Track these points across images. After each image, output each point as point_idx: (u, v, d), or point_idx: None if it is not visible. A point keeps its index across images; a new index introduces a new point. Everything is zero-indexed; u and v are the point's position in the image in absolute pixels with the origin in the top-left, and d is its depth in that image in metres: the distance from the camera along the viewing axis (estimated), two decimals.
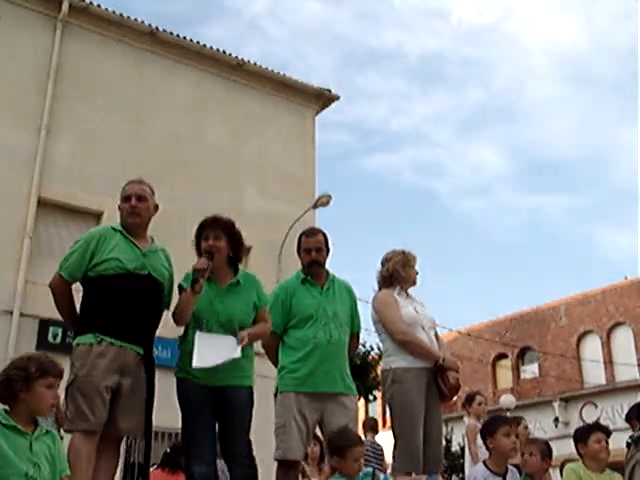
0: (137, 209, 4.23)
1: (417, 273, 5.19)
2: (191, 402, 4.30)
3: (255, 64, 16.38)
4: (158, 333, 4.32)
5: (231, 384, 4.35)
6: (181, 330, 4.49)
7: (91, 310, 4.06)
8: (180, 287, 4.40)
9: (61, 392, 3.55)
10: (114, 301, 4.01)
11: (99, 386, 3.84)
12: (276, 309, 4.80)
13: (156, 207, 4.39)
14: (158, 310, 4.28)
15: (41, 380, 3.15)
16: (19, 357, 3.31)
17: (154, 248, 4.31)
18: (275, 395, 4.75)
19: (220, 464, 4.58)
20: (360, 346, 17.09)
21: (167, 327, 4.46)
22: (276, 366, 4.85)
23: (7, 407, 3.19)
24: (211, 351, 4.24)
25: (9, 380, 3.15)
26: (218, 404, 4.32)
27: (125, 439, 4.24)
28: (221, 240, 4.46)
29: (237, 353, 4.26)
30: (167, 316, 4.40)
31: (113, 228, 4.25)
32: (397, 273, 5.11)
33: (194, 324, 4.37)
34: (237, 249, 4.59)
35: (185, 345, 4.42)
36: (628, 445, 5.48)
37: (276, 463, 4.63)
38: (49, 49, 13.92)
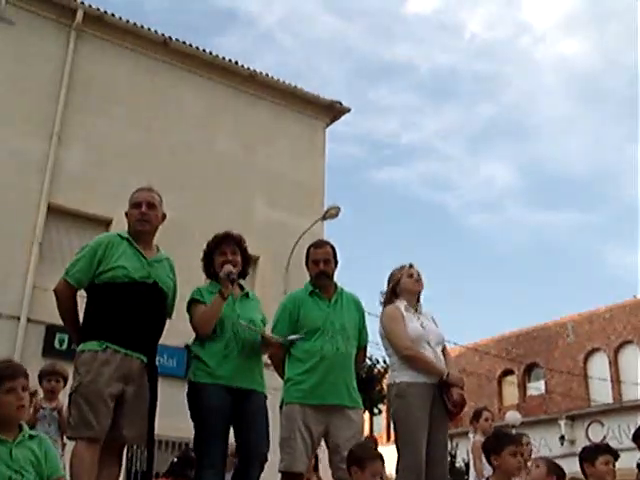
0: (147, 216, 4.25)
1: (419, 284, 5.17)
2: (210, 407, 4.31)
3: (267, 75, 16.44)
4: (163, 341, 4.33)
5: (256, 388, 4.50)
6: (186, 338, 4.51)
7: (96, 317, 4.04)
8: (194, 301, 4.50)
9: (64, 398, 3.56)
10: (120, 309, 4.01)
11: (103, 394, 3.83)
12: (283, 320, 4.83)
13: (164, 216, 4.41)
14: (162, 319, 4.30)
15: (1, 387, 3.07)
16: None
17: (159, 257, 4.34)
18: (280, 407, 4.74)
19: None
20: (367, 360, 17.06)
21: (172, 336, 4.48)
22: (282, 377, 4.84)
23: None
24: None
25: None
26: (239, 407, 4.36)
27: (127, 447, 4.23)
28: (237, 255, 4.66)
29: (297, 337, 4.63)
30: (172, 325, 4.41)
31: (120, 235, 4.25)
32: (400, 284, 5.12)
33: (221, 326, 4.45)
34: (246, 264, 4.77)
35: (208, 350, 4.44)
36: (638, 466, 5.43)
37: (279, 475, 4.62)
38: (63, 57, 14.01)
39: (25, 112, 13.33)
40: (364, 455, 4.05)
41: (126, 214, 4.36)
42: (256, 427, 4.41)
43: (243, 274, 4.75)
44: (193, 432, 4.37)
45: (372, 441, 4.63)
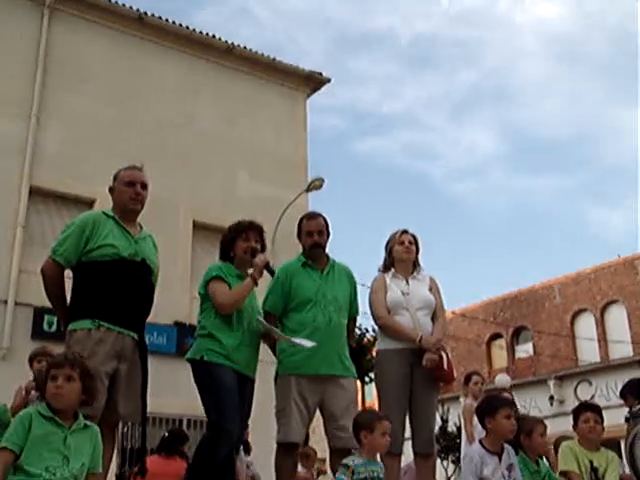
0: (141, 196, 4.27)
1: (409, 251, 5.22)
2: (229, 385, 4.37)
3: (245, 48, 16.28)
4: (153, 320, 4.34)
5: (251, 375, 4.61)
6: (178, 316, 4.55)
7: (87, 296, 4.03)
8: (217, 278, 4.54)
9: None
10: (111, 287, 4.00)
11: (99, 372, 3.82)
12: (275, 291, 4.88)
13: None
14: (151, 296, 4.30)
15: (48, 375, 3.20)
16: None
17: (143, 235, 4.35)
18: (275, 379, 4.80)
19: (244, 458, 4.70)
20: (356, 329, 17.13)
21: (162, 314, 4.48)
22: (273, 350, 4.88)
23: None
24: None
25: (39, 380, 3.37)
26: (238, 392, 4.45)
27: (121, 425, 4.26)
28: (259, 244, 4.75)
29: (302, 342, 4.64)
30: (162, 303, 4.42)
31: (105, 213, 4.23)
32: (393, 252, 5.24)
33: (238, 313, 4.54)
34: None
35: (224, 334, 4.48)
36: (627, 420, 5.53)
37: (272, 446, 4.70)
38: (37, 37, 13.80)
39: (1, 94, 13.14)
40: (371, 417, 4.12)
41: (110, 190, 4.33)
42: (242, 413, 4.50)
43: None
44: (205, 408, 4.41)
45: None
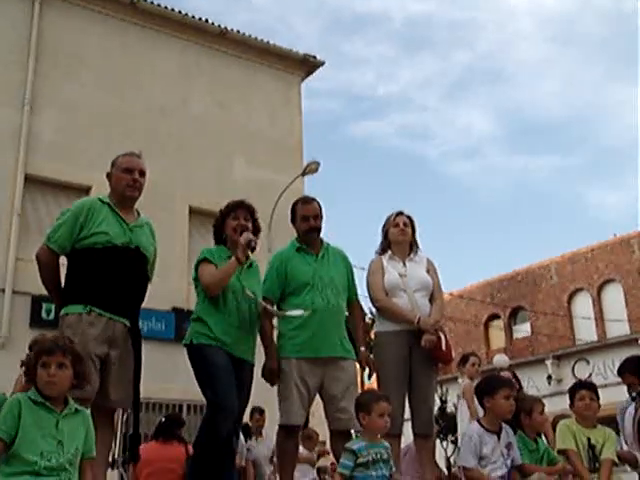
0: (139, 183, 4.26)
1: (404, 233, 5.23)
2: (221, 364, 4.39)
3: (239, 32, 16.19)
4: (151, 306, 4.34)
5: (249, 359, 4.61)
6: (176, 302, 4.55)
7: (80, 282, 4.04)
8: (205, 260, 4.56)
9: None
10: (103, 274, 4.01)
11: (91, 354, 3.84)
12: (271, 277, 4.90)
13: None
14: (144, 284, 4.30)
15: (38, 361, 3.16)
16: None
17: (140, 222, 4.33)
18: None
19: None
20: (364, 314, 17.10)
21: (160, 300, 4.49)
22: (264, 344, 4.87)
23: None
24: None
25: (27, 365, 3.22)
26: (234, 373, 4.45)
27: (122, 412, 4.27)
28: (250, 222, 4.73)
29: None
30: (160, 289, 4.42)
31: (100, 200, 4.22)
32: (389, 235, 5.27)
33: (224, 294, 4.52)
34: (255, 234, 4.80)
35: (212, 316, 4.50)
36: (633, 398, 5.55)
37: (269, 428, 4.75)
38: (28, 24, 13.69)
39: None
40: (369, 399, 4.13)
41: (108, 176, 4.32)
42: (241, 398, 4.50)
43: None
44: (201, 390, 4.43)
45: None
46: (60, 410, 3.16)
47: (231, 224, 4.69)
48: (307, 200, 5.10)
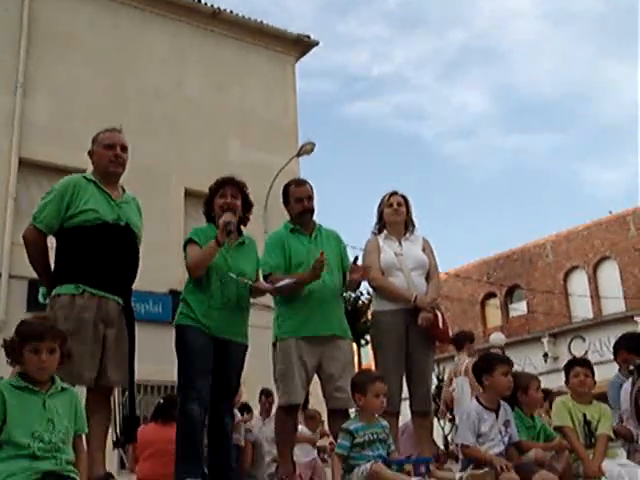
0: (121, 159, 4.20)
1: (398, 213, 5.23)
2: (195, 347, 4.38)
3: (232, 12, 16.09)
4: (148, 288, 4.34)
5: (236, 340, 4.55)
6: (173, 284, 4.54)
7: (71, 261, 3.99)
8: (190, 241, 4.53)
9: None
10: (94, 252, 3.96)
11: (87, 338, 3.82)
12: (276, 251, 4.88)
13: None
14: (136, 261, 4.24)
15: (26, 346, 3.13)
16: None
17: (126, 199, 4.28)
18: (274, 344, 4.82)
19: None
20: (351, 292, 17.18)
21: (158, 283, 4.48)
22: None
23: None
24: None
25: (11, 347, 3.18)
26: (218, 356, 4.42)
27: (121, 393, 4.26)
28: (238, 199, 4.67)
29: (290, 282, 4.61)
30: (157, 272, 4.41)
31: (85, 177, 4.17)
32: (383, 216, 5.30)
33: (207, 275, 4.48)
34: (247, 210, 4.78)
35: (194, 298, 4.49)
36: (631, 372, 5.58)
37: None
38: (19, 5, 13.58)
39: None
40: (364, 379, 4.16)
41: (90, 154, 4.27)
42: (230, 379, 4.53)
43: (244, 221, 4.81)
44: (176, 372, 4.43)
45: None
46: (46, 390, 3.16)
47: (218, 202, 4.64)
48: (300, 182, 5.13)
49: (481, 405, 4.50)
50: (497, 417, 4.47)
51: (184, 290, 4.61)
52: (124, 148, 4.23)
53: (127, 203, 4.25)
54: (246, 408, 8.56)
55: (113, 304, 4.01)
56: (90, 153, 4.27)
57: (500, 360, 4.67)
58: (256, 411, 8.94)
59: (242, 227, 4.83)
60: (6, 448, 3.00)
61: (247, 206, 4.77)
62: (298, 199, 4.97)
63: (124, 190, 4.31)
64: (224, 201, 4.61)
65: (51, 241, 4.16)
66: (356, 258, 4.90)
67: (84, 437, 3.38)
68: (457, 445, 4.53)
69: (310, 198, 4.99)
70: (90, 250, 3.96)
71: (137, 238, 4.25)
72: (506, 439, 4.46)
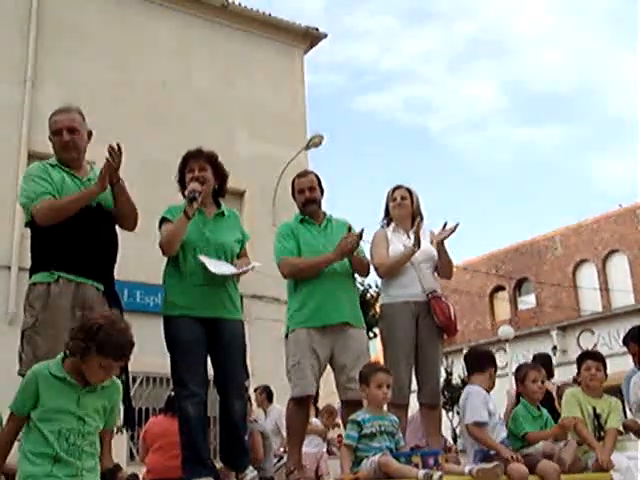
0: (70, 143, 4.02)
1: (401, 207, 5.24)
2: (182, 340, 4.19)
3: (240, 5, 16.07)
4: (157, 281, 4.26)
5: (225, 317, 4.32)
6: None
7: (43, 248, 3.87)
8: (163, 220, 4.35)
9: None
10: (66, 236, 3.79)
11: (66, 329, 3.58)
12: (287, 238, 4.87)
13: (90, 134, 4.20)
14: (113, 242, 4.07)
15: (98, 357, 2.90)
16: (97, 317, 3.00)
17: (94, 175, 4.05)
18: (286, 336, 4.81)
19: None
20: (358, 284, 17.15)
21: (153, 273, 4.43)
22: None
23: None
24: (218, 267, 4.23)
25: (75, 338, 2.95)
26: (212, 338, 4.25)
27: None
28: (207, 171, 4.45)
29: (243, 270, 4.32)
30: (157, 264, 4.33)
31: (50, 164, 4.04)
32: (389, 209, 5.32)
33: (184, 253, 4.28)
34: (222, 180, 4.58)
35: (172, 279, 4.32)
36: None
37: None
38: None
39: None
40: (366, 370, 4.19)
41: (50, 139, 4.13)
42: (231, 358, 4.31)
43: (220, 192, 4.58)
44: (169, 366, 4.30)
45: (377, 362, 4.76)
46: (83, 385, 2.98)
47: (187, 177, 4.43)
48: (302, 174, 5.14)
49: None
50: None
51: (163, 275, 4.40)
52: (72, 130, 4.02)
53: (94, 179, 4.00)
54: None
55: (91, 289, 3.84)
56: (50, 138, 4.13)
57: (491, 361, 4.74)
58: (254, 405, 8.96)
59: (221, 199, 4.61)
60: (33, 438, 2.90)
61: (221, 177, 4.56)
62: (300, 190, 5.00)
63: (92, 166, 4.10)
64: (192, 175, 4.40)
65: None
66: (349, 228, 4.82)
67: None
68: (466, 426, 4.44)
69: (312, 188, 4.98)
70: (61, 235, 3.79)
71: (111, 217, 4.02)
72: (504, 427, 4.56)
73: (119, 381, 3.17)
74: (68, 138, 4.00)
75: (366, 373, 4.14)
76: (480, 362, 4.69)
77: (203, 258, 4.23)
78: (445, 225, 5.09)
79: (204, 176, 4.41)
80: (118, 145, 3.89)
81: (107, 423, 3.12)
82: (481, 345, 27.38)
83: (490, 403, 4.46)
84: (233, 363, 4.33)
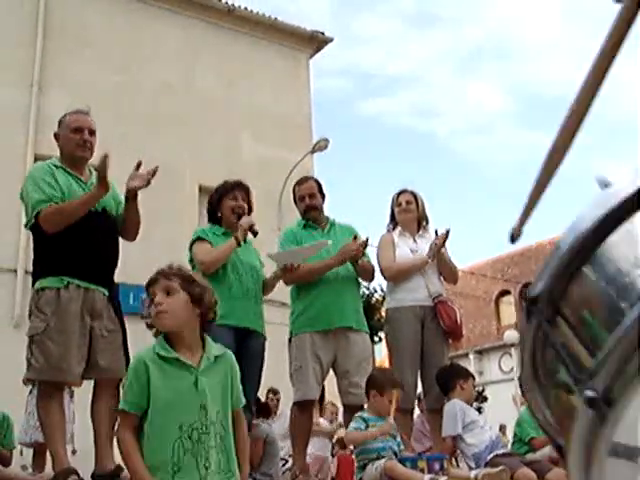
0: (89, 143, 4.04)
1: (406, 212, 5.24)
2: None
3: (246, 9, 16.08)
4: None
5: (257, 329, 4.54)
6: None
7: (51, 252, 3.83)
8: (199, 239, 4.56)
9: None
10: (73, 241, 3.78)
11: (75, 333, 3.69)
12: (289, 244, 4.92)
13: None
14: (115, 248, 4.09)
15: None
16: None
17: (95, 180, 3.97)
18: (289, 340, 4.83)
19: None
20: (364, 288, 17.15)
21: None
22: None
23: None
24: (292, 257, 4.66)
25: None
26: (240, 347, 4.32)
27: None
28: (245, 203, 4.73)
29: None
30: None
31: (54, 165, 4.02)
32: (394, 215, 5.32)
33: (224, 269, 4.50)
34: (250, 211, 4.82)
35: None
36: None
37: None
38: (35, 1, 13.63)
39: (2, 61, 13.04)
40: (385, 382, 4.19)
41: (56, 137, 4.12)
42: (250, 373, 4.32)
43: None
44: None
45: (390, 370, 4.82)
46: (198, 361, 2.55)
47: (229, 204, 4.67)
48: (301, 180, 5.19)
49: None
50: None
51: None
52: (92, 132, 4.07)
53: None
54: (260, 405, 8.64)
55: (99, 295, 3.87)
56: (56, 136, 4.10)
57: (465, 374, 4.92)
58: None
59: None
60: (150, 439, 2.44)
61: (250, 210, 4.83)
62: (300, 197, 5.05)
63: (91, 172, 4.11)
64: (236, 204, 4.67)
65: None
66: (355, 236, 4.87)
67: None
68: (445, 439, 4.61)
69: (312, 195, 5.01)
70: (69, 240, 3.78)
71: (115, 223, 4.05)
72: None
73: (229, 352, 2.83)
74: (88, 138, 4.05)
75: (384, 384, 4.16)
76: (446, 383, 4.79)
77: (273, 254, 4.73)
78: (436, 232, 5.06)
79: (244, 207, 4.72)
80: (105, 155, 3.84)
81: (235, 404, 2.68)
82: (485, 350, 27.36)
83: (469, 411, 4.61)
84: (250, 379, 4.35)
